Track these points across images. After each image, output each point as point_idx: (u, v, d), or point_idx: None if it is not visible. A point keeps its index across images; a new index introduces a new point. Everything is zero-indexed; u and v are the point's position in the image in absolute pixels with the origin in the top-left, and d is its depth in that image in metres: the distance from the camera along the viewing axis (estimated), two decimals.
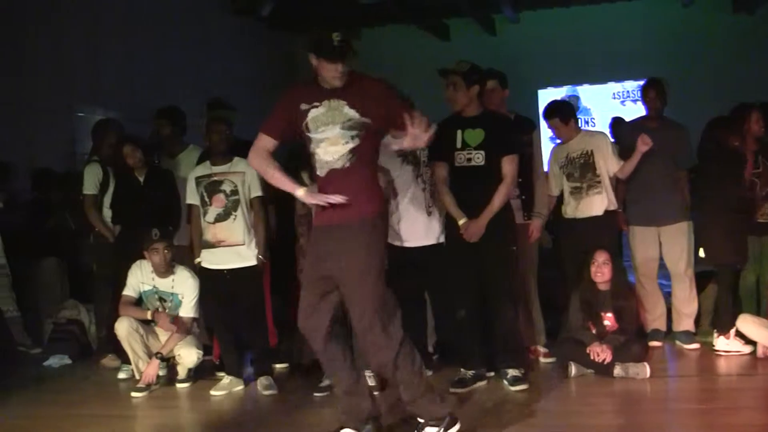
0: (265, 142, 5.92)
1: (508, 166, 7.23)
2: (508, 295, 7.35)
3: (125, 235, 8.66)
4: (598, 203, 8.27)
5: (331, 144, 5.68)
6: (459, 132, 7.25)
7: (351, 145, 5.66)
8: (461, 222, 7.18)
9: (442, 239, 7.63)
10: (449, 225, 7.41)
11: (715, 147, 8.34)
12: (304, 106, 5.77)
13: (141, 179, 8.62)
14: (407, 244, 7.68)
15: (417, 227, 7.63)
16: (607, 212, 8.28)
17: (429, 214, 7.64)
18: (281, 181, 5.90)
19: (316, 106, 5.73)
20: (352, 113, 5.67)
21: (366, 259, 5.67)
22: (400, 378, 5.79)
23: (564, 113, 8.40)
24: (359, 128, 5.66)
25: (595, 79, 17.62)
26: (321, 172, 5.74)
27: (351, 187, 5.65)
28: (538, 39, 17.82)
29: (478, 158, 7.19)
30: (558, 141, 8.58)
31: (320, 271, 5.77)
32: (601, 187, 8.24)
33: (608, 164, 8.26)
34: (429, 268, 7.61)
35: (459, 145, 7.23)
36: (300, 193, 5.78)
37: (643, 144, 8.07)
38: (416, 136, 5.46)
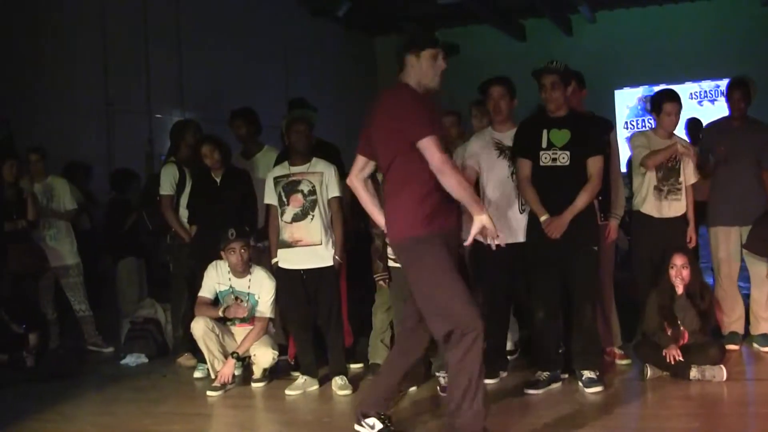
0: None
1: (595, 166, 7.19)
2: (589, 296, 7.30)
3: (202, 235, 8.72)
4: (675, 208, 8.21)
5: None
6: (545, 131, 7.22)
7: None
8: (543, 218, 7.14)
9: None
10: (532, 224, 7.38)
11: None
12: None
13: (218, 180, 8.67)
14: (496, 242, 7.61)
15: (507, 224, 7.48)
16: (685, 213, 8.23)
17: (522, 211, 7.56)
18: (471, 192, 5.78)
19: None
20: None
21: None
22: None
23: (681, 105, 8.32)
24: None
25: (672, 79, 17.38)
26: None
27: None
28: (615, 39, 17.73)
29: (563, 158, 7.16)
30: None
31: None
32: (680, 194, 8.18)
33: (693, 173, 8.24)
34: (516, 267, 7.57)
35: (544, 144, 7.20)
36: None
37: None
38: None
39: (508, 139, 7.57)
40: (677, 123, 8.29)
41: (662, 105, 8.23)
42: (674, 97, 8.27)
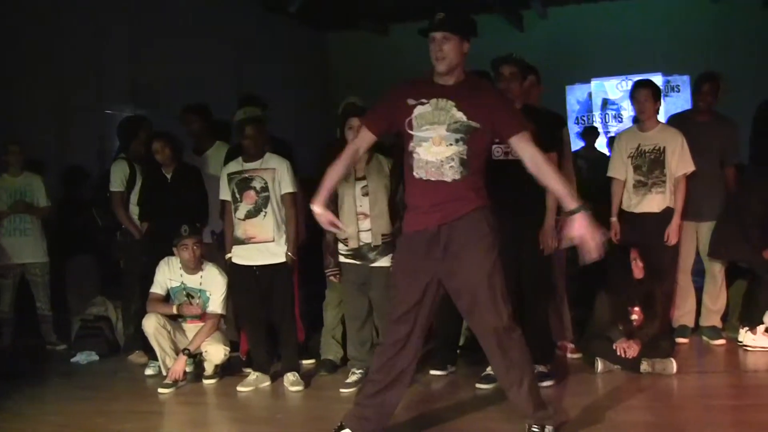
0: (364, 135, 5.82)
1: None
2: (541, 291, 7.34)
3: (153, 232, 8.69)
4: (658, 201, 8.21)
5: (435, 144, 5.56)
6: None
7: (455, 148, 5.54)
8: None
9: None
10: None
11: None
12: (411, 101, 5.64)
13: (168, 176, 8.64)
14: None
15: None
16: (666, 208, 8.22)
17: None
18: (327, 179, 5.78)
19: (423, 103, 5.62)
20: (460, 115, 5.57)
21: None
22: None
23: (658, 91, 8.35)
24: (465, 132, 5.55)
25: (623, 74, 17.48)
26: (419, 173, 5.60)
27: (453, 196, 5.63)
28: (566, 34, 17.75)
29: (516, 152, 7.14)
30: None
31: None
32: (665, 187, 8.16)
33: (680, 164, 8.16)
34: None
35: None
36: (316, 209, 5.75)
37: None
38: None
39: None
40: (650, 110, 8.23)
41: (632, 92, 8.34)
42: (642, 84, 8.39)
